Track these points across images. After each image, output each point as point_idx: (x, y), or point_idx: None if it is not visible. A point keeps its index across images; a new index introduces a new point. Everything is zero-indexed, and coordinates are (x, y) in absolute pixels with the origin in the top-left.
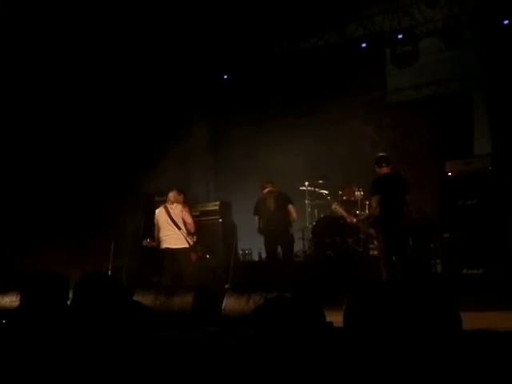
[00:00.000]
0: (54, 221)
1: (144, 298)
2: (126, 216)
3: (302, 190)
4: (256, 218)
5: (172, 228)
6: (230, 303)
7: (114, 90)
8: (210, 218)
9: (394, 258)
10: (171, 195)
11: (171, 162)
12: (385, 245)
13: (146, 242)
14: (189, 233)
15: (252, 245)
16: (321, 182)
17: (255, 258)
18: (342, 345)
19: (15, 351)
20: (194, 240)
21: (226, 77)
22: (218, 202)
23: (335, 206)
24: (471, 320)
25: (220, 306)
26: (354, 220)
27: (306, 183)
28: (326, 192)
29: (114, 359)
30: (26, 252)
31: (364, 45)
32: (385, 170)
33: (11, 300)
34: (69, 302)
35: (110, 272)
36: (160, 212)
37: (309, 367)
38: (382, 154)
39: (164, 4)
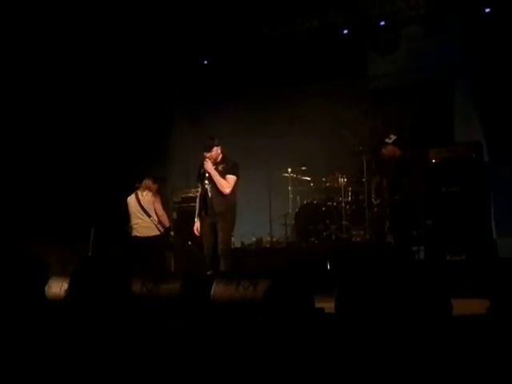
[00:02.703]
0: (31, 208)
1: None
2: (106, 203)
3: (284, 177)
4: None
5: (141, 216)
6: (218, 290)
7: (91, 77)
8: (193, 204)
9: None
10: (145, 182)
11: (151, 148)
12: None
13: (128, 227)
14: (160, 221)
15: (234, 231)
16: (304, 168)
17: (237, 244)
18: (333, 330)
19: None
20: (166, 226)
21: (205, 62)
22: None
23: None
24: (458, 306)
25: (209, 293)
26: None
27: (289, 169)
28: (309, 178)
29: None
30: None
31: (345, 31)
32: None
33: None
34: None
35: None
36: (131, 199)
37: (300, 353)
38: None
39: None
